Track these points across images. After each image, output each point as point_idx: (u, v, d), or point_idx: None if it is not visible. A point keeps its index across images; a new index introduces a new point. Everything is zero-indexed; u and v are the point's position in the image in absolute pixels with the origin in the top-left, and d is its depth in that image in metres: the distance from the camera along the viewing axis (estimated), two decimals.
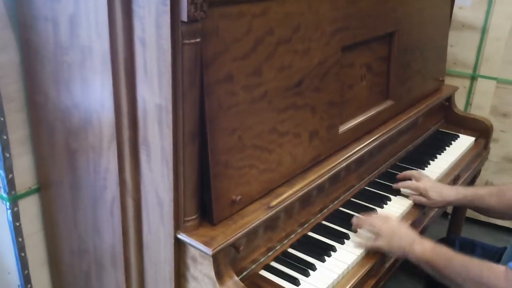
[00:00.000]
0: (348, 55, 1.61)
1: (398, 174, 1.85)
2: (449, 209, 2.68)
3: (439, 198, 1.67)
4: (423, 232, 1.68)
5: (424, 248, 1.35)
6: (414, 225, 1.63)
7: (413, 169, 1.89)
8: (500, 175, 2.84)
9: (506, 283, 1.19)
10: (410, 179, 1.77)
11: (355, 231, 1.52)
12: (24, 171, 1.52)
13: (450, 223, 2.58)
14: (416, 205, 1.71)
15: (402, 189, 1.76)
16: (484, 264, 1.25)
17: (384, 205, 1.67)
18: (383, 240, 1.42)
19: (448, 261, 1.30)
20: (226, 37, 1.14)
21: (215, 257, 1.15)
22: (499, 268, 1.22)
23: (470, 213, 2.80)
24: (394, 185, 1.78)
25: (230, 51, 1.16)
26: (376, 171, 1.89)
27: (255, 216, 1.28)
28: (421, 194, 1.70)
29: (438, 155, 2.09)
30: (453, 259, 1.30)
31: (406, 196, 1.74)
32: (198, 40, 1.04)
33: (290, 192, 1.39)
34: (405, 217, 1.65)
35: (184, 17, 0.99)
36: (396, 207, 1.67)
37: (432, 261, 1.33)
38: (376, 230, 1.44)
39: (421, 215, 1.72)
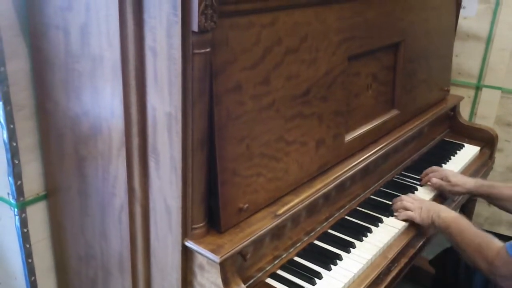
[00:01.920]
0: (355, 64, 1.62)
1: (404, 182, 1.90)
2: None
3: (459, 183, 1.81)
4: (431, 237, 1.70)
5: (447, 216, 1.53)
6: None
7: (419, 178, 1.92)
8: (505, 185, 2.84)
9: (496, 256, 1.35)
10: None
11: (362, 240, 1.52)
12: (33, 178, 1.53)
13: None
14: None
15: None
16: (486, 237, 1.42)
17: (390, 214, 1.68)
18: (415, 211, 1.61)
19: (462, 230, 1.47)
20: (235, 47, 1.15)
21: (222, 265, 1.16)
22: (496, 244, 1.39)
23: (474, 222, 2.79)
24: (421, 182, 1.91)
25: (239, 61, 1.17)
26: (382, 180, 1.90)
27: (262, 224, 1.29)
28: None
29: (443, 165, 2.09)
30: (466, 230, 1.46)
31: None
32: (208, 50, 1.06)
33: (297, 200, 1.40)
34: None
35: (194, 27, 1.01)
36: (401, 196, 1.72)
37: (450, 227, 1.50)
38: (409, 205, 1.63)
39: None
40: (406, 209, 1.64)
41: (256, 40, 1.21)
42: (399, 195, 1.79)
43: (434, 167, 1.93)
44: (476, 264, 1.41)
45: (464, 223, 1.49)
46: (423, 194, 1.83)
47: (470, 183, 1.81)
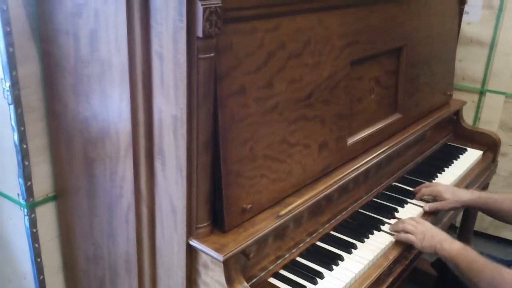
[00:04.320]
0: (357, 68, 1.65)
1: (404, 187, 1.91)
2: (458, 223, 2.69)
3: (454, 198, 1.76)
4: None
5: (452, 247, 1.46)
6: None
7: (422, 182, 1.93)
8: (509, 189, 2.85)
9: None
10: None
11: (363, 242, 1.55)
12: (42, 179, 1.57)
13: (459, 236, 2.59)
14: (427, 213, 1.76)
15: (417, 199, 1.85)
16: (497, 267, 1.36)
17: (392, 217, 1.70)
18: (417, 237, 1.53)
19: (469, 263, 1.40)
20: (239, 52, 1.19)
21: (226, 264, 1.19)
22: (509, 273, 1.32)
23: (478, 227, 2.81)
24: (415, 197, 1.85)
25: (243, 65, 1.21)
26: (384, 183, 1.92)
27: (265, 224, 1.32)
28: (435, 198, 1.79)
29: (446, 168, 2.11)
30: (474, 262, 1.40)
31: (418, 205, 1.78)
32: (212, 54, 1.09)
33: (300, 201, 1.43)
34: None
35: (199, 33, 1.04)
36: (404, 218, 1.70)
37: (457, 260, 1.43)
38: (410, 228, 1.56)
39: (435, 222, 1.76)
40: (407, 232, 1.56)
41: (260, 45, 1.24)
42: (402, 198, 1.81)
43: (427, 183, 1.89)
44: None
45: (471, 254, 1.43)
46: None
47: (465, 196, 1.77)
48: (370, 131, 1.78)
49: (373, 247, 1.52)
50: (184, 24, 1.05)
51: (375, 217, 1.69)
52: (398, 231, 1.59)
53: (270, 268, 1.40)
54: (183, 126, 1.13)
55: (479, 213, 2.54)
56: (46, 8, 1.36)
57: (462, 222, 2.55)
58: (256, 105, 1.27)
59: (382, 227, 1.64)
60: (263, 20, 1.24)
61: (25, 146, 1.48)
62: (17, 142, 1.46)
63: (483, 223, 2.89)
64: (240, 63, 1.20)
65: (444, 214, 1.86)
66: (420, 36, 2.00)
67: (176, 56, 1.09)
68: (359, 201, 1.78)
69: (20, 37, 1.39)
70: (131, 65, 1.18)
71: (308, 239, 1.54)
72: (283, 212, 1.36)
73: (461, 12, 2.37)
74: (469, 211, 2.42)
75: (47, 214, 1.61)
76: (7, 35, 1.35)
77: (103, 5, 1.19)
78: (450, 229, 2.74)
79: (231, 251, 1.19)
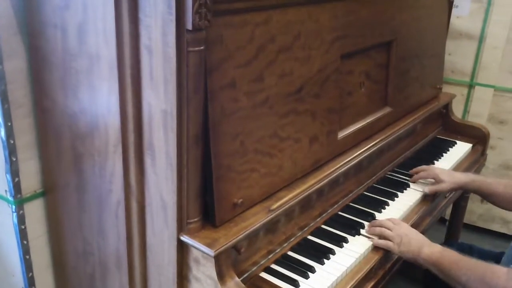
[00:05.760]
0: (347, 62, 1.65)
1: (396, 179, 1.92)
2: (447, 215, 2.71)
3: (451, 179, 1.81)
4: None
5: (432, 251, 1.42)
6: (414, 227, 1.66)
7: (411, 175, 1.94)
8: None
9: (506, 283, 1.25)
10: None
11: (354, 235, 1.55)
12: (30, 175, 1.55)
13: (448, 229, 2.61)
14: (416, 208, 1.77)
15: (415, 182, 1.89)
16: (488, 265, 1.32)
17: (383, 210, 1.70)
18: (395, 242, 1.48)
19: (454, 263, 1.36)
20: (230, 45, 1.18)
21: (217, 259, 1.18)
22: (501, 270, 1.29)
23: (468, 219, 2.83)
24: (411, 180, 1.90)
25: (233, 58, 1.20)
26: (375, 177, 1.92)
27: (256, 219, 1.31)
28: (434, 181, 1.83)
29: (435, 161, 2.12)
30: (459, 262, 1.36)
31: (408, 199, 1.79)
32: (202, 47, 1.08)
33: (291, 196, 1.42)
34: (405, 219, 1.69)
35: (189, 26, 1.03)
36: (394, 212, 1.71)
37: (439, 263, 1.39)
38: (388, 233, 1.51)
39: (424, 215, 1.78)
40: (384, 237, 1.51)
41: (250, 38, 1.23)
42: (392, 192, 1.82)
43: (424, 166, 1.94)
44: None
45: (454, 254, 1.39)
46: (414, 191, 1.85)
47: (461, 178, 1.82)
48: (361, 125, 1.78)
49: (364, 241, 1.53)
50: (173, 17, 1.04)
51: (366, 211, 1.69)
52: (374, 235, 1.54)
53: (261, 262, 1.40)
54: (173, 121, 1.12)
55: (468, 206, 2.57)
56: (33, 0, 1.33)
57: (451, 215, 2.57)
58: (246, 99, 1.26)
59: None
60: (253, 13, 1.23)
61: (12, 142, 1.46)
62: (4, 138, 1.44)
63: (472, 215, 2.92)
64: (230, 57, 1.19)
65: (441, 198, 1.91)
66: (410, 30, 2.01)
67: (165, 49, 1.08)
68: (350, 194, 1.78)
69: (6, 31, 1.37)
70: (120, 58, 1.16)
71: (300, 233, 1.54)
72: (274, 207, 1.36)
73: (450, 6, 2.38)
74: (459, 204, 2.44)
75: (35, 211, 1.60)
76: None
77: None
78: (440, 222, 2.76)
79: (222, 246, 1.19)
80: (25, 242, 1.58)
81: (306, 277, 1.35)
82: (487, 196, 1.80)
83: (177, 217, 1.21)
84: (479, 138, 2.39)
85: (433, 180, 1.86)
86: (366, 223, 1.61)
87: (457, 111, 2.67)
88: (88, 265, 1.54)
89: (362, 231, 1.57)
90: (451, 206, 2.45)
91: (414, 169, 1.94)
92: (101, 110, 1.27)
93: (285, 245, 1.48)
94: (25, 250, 1.59)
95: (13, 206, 1.53)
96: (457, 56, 2.77)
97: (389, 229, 1.52)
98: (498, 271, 1.29)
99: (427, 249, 1.43)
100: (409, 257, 1.47)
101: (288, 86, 1.39)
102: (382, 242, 1.51)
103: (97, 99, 1.27)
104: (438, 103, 2.33)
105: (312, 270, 1.38)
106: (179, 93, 1.10)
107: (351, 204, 1.74)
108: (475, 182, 1.81)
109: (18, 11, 1.38)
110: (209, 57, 1.12)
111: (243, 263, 1.34)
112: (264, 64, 1.29)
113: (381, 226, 1.54)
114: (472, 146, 2.33)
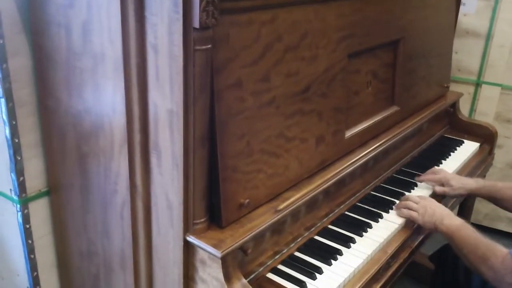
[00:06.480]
0: (354, 61, 1.63)
1: (403, 178, 1.91)
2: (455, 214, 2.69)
3: (460, 185, 1.81)
4: (430, 233, 1.71)
5: (451, 223, 1.50)
6: None
7: (420, 174, 1.92)
8: (505, 181, 2.84)
9: (501, 264, 1.33)
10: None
11: (362, 236, 1.53)
12: (35, 174, 1.54)
13: None
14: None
15: (424, 183, 1.89)
16: (491, 244, 1.40)
17: (390, 210, 1.69)
18: (419, 213, 1.58)
19: (465, 237, 1.45)
20: (236, 44, 1.16)
21: (224, 260, 1.17)
22: (500, 251, 1.37)
23: (474, 218, 2.81)
24: (417, 178, 1.90)
25: (240, 58, 1.18)
26: (382, 176, 1.91)
27: (263, 219, 1.30)
28: (442, 185, 1.82)
29: (443, 161, 2.10)
30: (469, 236, 1.45)
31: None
32: (209, 46, 1.07)
33: (297, 196, 1.41)
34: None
35: (196, 24, 1.02)
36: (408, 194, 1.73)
37: (453, 235, 1.48)
38: (412, 205, 1.61)
39: None
40: (410, 208, 1.61)
41: (256, 37, 1.22)
42: (399, 191, 1.80)
43: (436, 168, 1.93)
44: (481, 272, 1.39)
45: (468, 231, 1.46)
46: (422, 191, 1.84)
47: (471, 184, 1.81)
48: (367, 124, 1.77)
49: (372, 241, 1.51)
50: (180, 15, 1.02)
51: (374, 211, 1.67)
52: (401, 208, 1.64)
53: (268, 263, 1.38)
54: (179, 121, 1.11)
55: (475, 206, 2.55)
56: None
57: (458, 215, 2.53)
58: (252, 98, 1.25)
59: (380, 221, 1.62)
60: (259, 12, 1.21)
61: (17, 141, 1.45)
62: (8, 137, 1.43)
63: (478, 215, 2.90)
64: (237, 56, 1.17)
65: (448, 200, 1.90)
66: (417, 28, 1.98)
67: (171, 48, 1.07)
68: (357, 194, 1.76)
69: (11, 30, 1.36)
70: (125, 57, 1.15)
71: (306, 234, 1.52)
72: (281, 207, 1.35)
73: (458, 4, 2.35)
74: (465, 204, 2.42)
75: (40, 210, 1.59)
76: None
77: None
78: None
79: (229, 247, 1.17)
80: (30, 241, 1.58)
81: (313, 278, 1.34)
82: (497, 202, 1.78)
83: (183, 218, 1.19)
84: (486, 137, 2.36)
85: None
86: (373, 224, 1.60)
87: (463, 109, 2.65)
88: (93, 265, 1.53)
89: (369, 231, 1.56)
90: (458, 206, 2.43)
91: (426, 172, 1.92)
92: (106, 110, 1.26)
93: (292, 245, 1.47)
94: (30, 250, 1.59)
95: (18, 205, 1.52)
96: (464, 55, 2.75)
97: (415, 202, 1.61)
98: (497, 252, 1.36)
99: (448, 220, 1.51)
100: (431, 227, 1.55)
101: (294, 85, 1.38)
102: (406, 212, 1.61)
103: (102, 98, 1.26)
104: (445, 102, 2.31)
105: (319, 271, 1.37)
106: (185, 93, 1.08)
107: (358, 204, 1.72)
108: (485, 188, 1.79)
109: (22, 10, 1.37)
110: (215, 56, 1.11)
111: (250, 264, 1.33)
112: (270, 63, 1.28)
113: (407, 199, 1.65)
114: (480, 145, 2.31)
